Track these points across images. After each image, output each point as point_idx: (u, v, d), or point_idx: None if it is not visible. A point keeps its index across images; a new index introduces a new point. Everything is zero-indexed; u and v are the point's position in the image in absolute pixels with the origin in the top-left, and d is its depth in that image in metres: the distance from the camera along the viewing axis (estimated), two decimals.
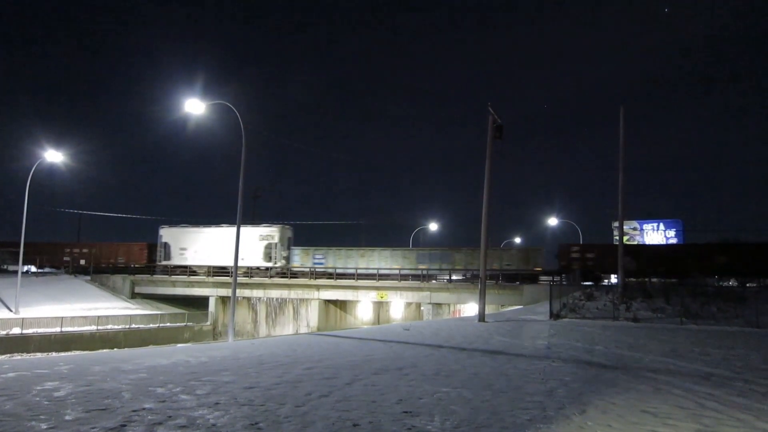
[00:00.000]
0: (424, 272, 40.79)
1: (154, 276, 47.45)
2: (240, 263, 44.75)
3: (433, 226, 64.00)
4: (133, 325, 38.90)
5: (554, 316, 24.45)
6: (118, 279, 47.62)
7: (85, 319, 36.83)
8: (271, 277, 43.43)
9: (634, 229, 51.91)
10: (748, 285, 31.03)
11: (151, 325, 40.11)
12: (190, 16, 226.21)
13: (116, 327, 37.75)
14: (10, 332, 32.58)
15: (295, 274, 43.21)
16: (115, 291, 46.68)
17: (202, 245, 46.54)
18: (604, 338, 17.25)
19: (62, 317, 35.33)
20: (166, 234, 47.99)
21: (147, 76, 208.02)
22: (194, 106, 23.04)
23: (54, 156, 38.94)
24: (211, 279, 44.95)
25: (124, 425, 6.06)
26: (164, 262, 47.53)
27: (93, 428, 5.90)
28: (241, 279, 40.45)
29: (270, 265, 44.27)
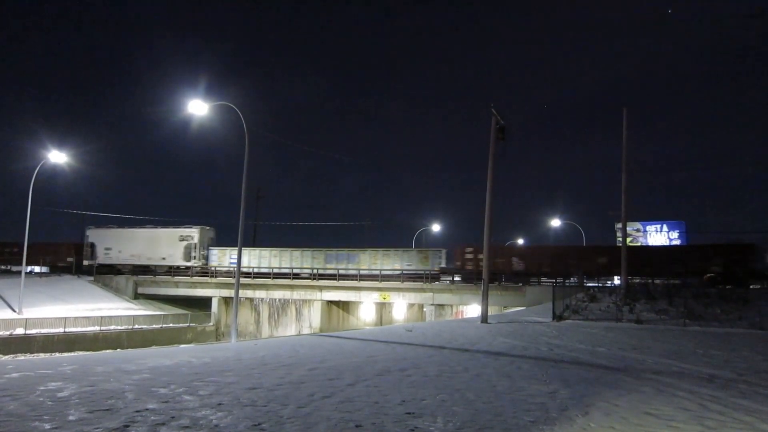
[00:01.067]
0: (317, 271, 43.08)
1: (157, 277, 47.60)
2: (161, 262, 49.23)
3: (436, 227, 64.01)
4: (136, 326, 38.99)
5: (557, 317, 24.42)
6: (121, 279, 47.75)
7: (89, 320, 36.94)
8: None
9: (638, 230, 51.86)
10: (751, 287, 30.90)
11: (154, 326, 40.20)
12: (192, 17, 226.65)
13: (119, 327, 37.84)
14: (14, 333, 32.70)
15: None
16: (118, 291, 46.82)
17: (126, 246, 49.53)
18: (607, 340, 17.21)
19: (65, 318, 35.44)
20: (93, 234, 50.89)
21: (150, 77, 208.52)
22: (197, 107, 23.07)
23: (57, 156, 39.05)
24: (214, 280, 45.06)
25: (128, 426, 6.07)
26: (89, 262, 50.48)
27: (96, 428, 5.92)
28: (244, 280, 40.59)
29: (189, 264, 47.69)
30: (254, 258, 46.09)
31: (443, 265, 41.56)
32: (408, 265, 41.86)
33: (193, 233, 47.89)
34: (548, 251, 39.98)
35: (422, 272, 40.91)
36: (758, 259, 32.20)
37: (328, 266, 43.94)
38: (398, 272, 40.81)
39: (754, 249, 32.66)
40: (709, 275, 31.84)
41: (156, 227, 50.04)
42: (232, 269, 44.10)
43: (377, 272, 41.32)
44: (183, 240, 48.03)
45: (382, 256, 42.89)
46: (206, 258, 48.00)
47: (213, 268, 46.19)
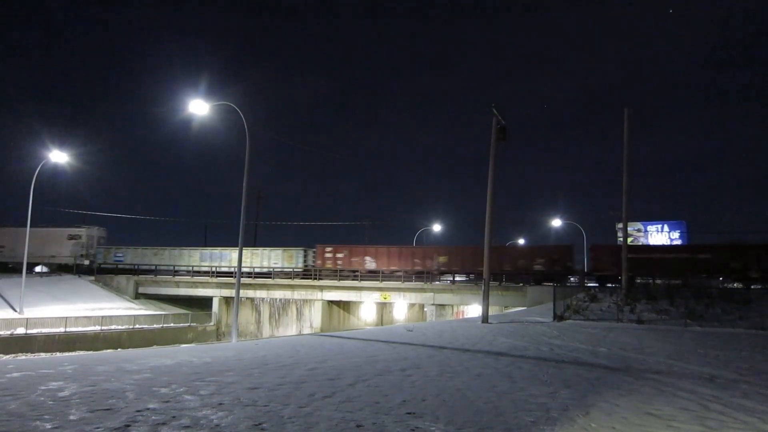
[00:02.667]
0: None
1: (158, 276, 47.64)
2: (51, 260, 52.03)
3: (437, 227, 63.99)
4: (137, 326, 39.01)
5: (558, 317, 24.40)
6: (122, 279, 47.78)
7: (89, 320, 36.96)
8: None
9: (638, 230, 51.86)
10: (752, 287, 30.88)
11: (155, 326, 40.22)
12: (193, 18, 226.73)
13: (120, 327, 37.85)
14: (15, 332, 32.72)
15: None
16: (119, 291, 46.84)
17: (19, 243, 51.64)
18: (608, 340, 17.20)
19: (66, 317, 35.46)
20: None
21: (151, 77, 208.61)
22: (198, 107, 23.06)
23: (58, 156, 39.07)
24: (214, 280, 45.08)
25: (128, 425, 6.07)
26: None
27: (97, 428, 5.92)
28: (244, 280, 40.61)
29: (77, 262, 51.39)
30: (137, 257, 50.18)
31: (305, 263, 45.02)
32: (275, 263, 45.35)
33: (81, 232, 52.00)
34: (399, 251, 42.39)
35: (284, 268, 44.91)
36: (573, 259, 37.24)
37: (203, 264, 47.72)
38: (399, 272, 40.79)
39: (572, 250, 37.52)
40: (534, 271, 36.87)
41: (48, 227, 53.07)
42: (232, 270, 44.69)
43: (378, 272, 41.31)
44: (71, 239, 51.74)
45: (251, 255, 46.10)
46: (94, 256, 51.94)
47: (214, 269, 46.25)
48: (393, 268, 40.76)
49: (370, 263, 41.43)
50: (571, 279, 37.46)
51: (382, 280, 40.58)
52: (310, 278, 42.58)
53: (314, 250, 44.29)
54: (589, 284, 34.18)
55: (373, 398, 7.94)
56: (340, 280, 41.60)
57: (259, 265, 45.58)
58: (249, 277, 43.56)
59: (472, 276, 40.17)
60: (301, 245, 45.89)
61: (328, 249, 42.92)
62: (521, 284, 37.19)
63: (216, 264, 47.20)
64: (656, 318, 23.66)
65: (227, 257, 47.02)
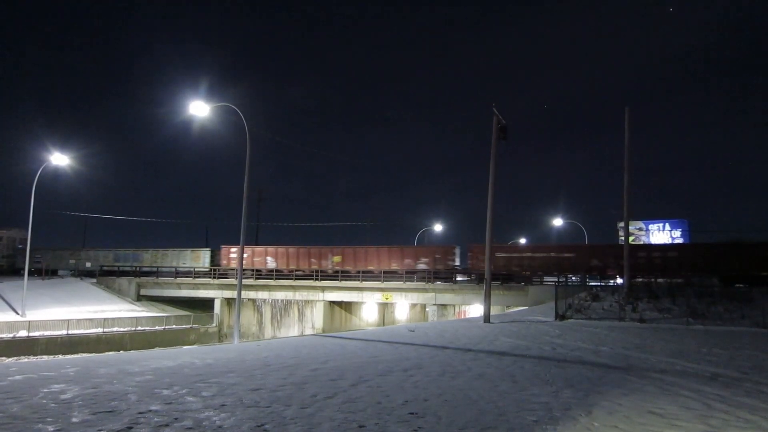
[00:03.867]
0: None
1: (160, 278, 47.66)
2: None
3: (438, 227, 64.02)
4: (139, 328, 39.03)
5: (560, 317, 24.38)
6: (123, 281, 47.80)
7: (91, 322, 36.98)
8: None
9: (640, 229, 51.82)
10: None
11: (157, 327, 40.23)
12: (194, 19, 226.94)
13: (122, 329, 37.87)
14: (17, 335, 32.75)
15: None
16: (120, 293, 46.86)
17: None
18: (610, 339, 17.18)
19: (68, 320, 35.48)
20: None
21: (152, 80, 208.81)
22: (199, 109, 23.07)
23: (60, 159, 39.09)
24: (216, 281, 45.09)
25: (131, 427, 6.07)
26: None
27: (99, 430, 5.92)
28: (246, 281, 40.62)
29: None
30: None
31: (212, 263, 47.64)
32: (183, 263, 48.47)
33: (2, 234, 56.86)
34: (297, 251, 45.34)
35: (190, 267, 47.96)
36: (455, 258, 40.37)
37: (116, 264, 51.07)
38: (400, 271, 40.79)
39: (453, 249, 40.62)
40: (417, 269, 40.42)
41: None
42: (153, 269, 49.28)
43: (379, 271, 41.31)
44: None
45: (162, 256, 49.11)
46: (14, 258, 56.36)
47: (215, 269, 46.26)
48: (292, 267, 44.33)
49: (271, 263, 44.70)
50: (459, 278, 40.67)
51: (384, 281, 40.58)
52: (312, 279, 42.59)
53: (207, 250, 48.69)
54: (592, 284, 34.18)
55: (375, 398, 7.93)
56: (341, 280, 41.60)
57: (168, 265, 49.15)
58: (251, 278, 43.56)
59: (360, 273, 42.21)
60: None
61: (233, 249, 46.00)
62: (523, 283, 37.17)
63: (129, 264, 50.81)
64: (658, 317, 23.63)
65: (139, 257, 50.36)
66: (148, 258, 50.32)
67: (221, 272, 45.64)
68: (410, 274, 40.22)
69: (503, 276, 37.38)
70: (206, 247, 52.60)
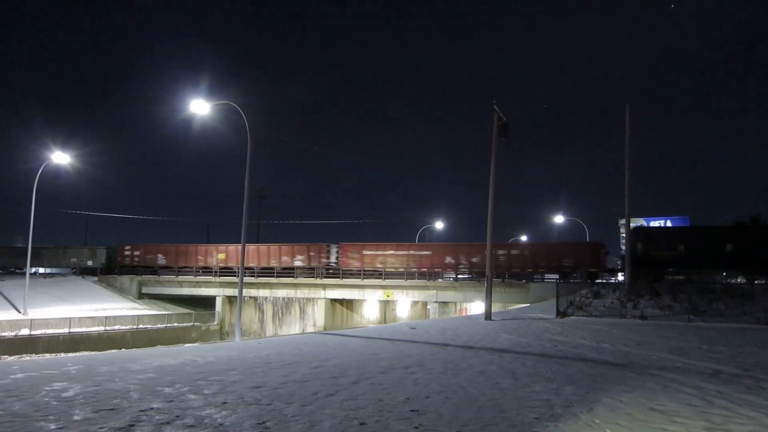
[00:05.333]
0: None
1: (161, 276, 47.71)
2: None
3: (439, 225, 64.03)
4: (141, 326, 39.08)
5: (561, 314, 24.38)
6: (125, 280, 47.85)
7: (93, 320, 37.03)
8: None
9: (641, 226, 51.64)
10: (756, 282, 30.75)
11: (159, 326, 40.29)
12: (194, 17, 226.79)
13: (124, 327, 37.93)
14: (19, 333, 32.79)
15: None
16: (122, 291, 46.93)
17: None
18: (612, 336, 17.18)
19: (70, 318, 35.53)
20: None
21: (152, 78, 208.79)
22: (199, 107, 23.06)
23: (61, 158, 39.11)
24: (217, 279, 45.12)
25: (132, 425, 6.08)
26: None
27: (101, 428, 5.93)
28: (247, 279, 40.64)
29: None
30: None
31: (108, 260, 50.56)
32: (78, 260, 50.62)
33: None
34: (186, 249, 48.29)
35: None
36: (329, 255, 43.36)
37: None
38: (402, 270, 40.80)
39: (329, 247, 43.61)
40: (294, 265, 43.92)
41: None
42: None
43: (380, 270, 41.33)
44: None
45: (63, 251, 51.11)
46: None
47: (217, 267, 46.30)
48: (180, 264, 47.57)
49: (161, 260, 48.33)
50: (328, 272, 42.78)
51: (385, 278, 40.60)
52: (313, 277, 42.64)
53: (101, 248, 51.93)
54: (597, 281, 34.18)
55: (376, 396, 7.94)
56: (342, 278, 41.61)
57: (67, 263, 52.09)
58: (252, 276, 43.62)
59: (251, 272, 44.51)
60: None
61: (127, 247, 50.03)
62: (524, 281, 37.18)
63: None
64: (660, 314, 23.62)
65: (41, 255, 51.63)
66: (47, 255, 52.31)
67: (222, 270, 45.73)
68: (411, 273, 40.24)
69: (365, 272, 41.51)
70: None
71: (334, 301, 42.38)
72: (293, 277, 43.40)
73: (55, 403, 7.19)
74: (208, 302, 46.65)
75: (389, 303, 47.30)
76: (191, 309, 45.88)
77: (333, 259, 43.23)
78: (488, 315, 24.12)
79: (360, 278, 41.10)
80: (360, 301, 44.54)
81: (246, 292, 41.15)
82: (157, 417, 6.46)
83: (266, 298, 45.18)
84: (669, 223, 51.73)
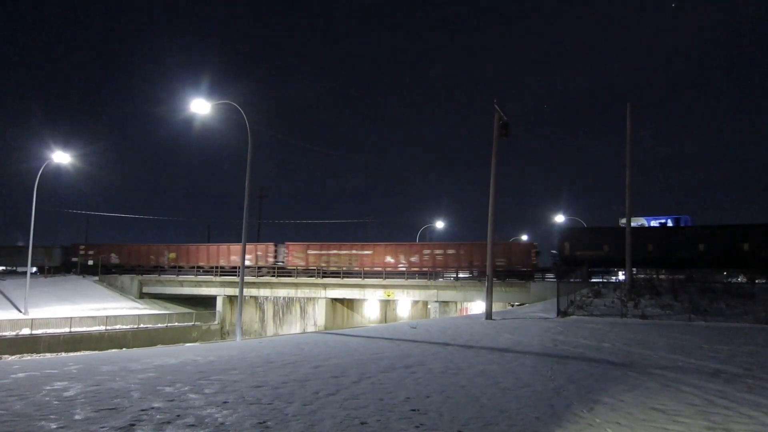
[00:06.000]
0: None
1: (162, 276, 47.68)
2: None
3: (440, 224, 63.99)
4: (142, 325, 39.07)
5: (561, 313, 24.37)
6: (126, 279, 47.85)
7: (94, 320, 37.02)
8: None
9: (642, 225, 51.60)
10: (756, 281, 30.80)
11: (159, 325, 40.28)
12: (195, 17, 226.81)
13: (124, 327, 37.92)
14: (20, 333, 32.79)
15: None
16: (123, 291, 46.92)
17: None
18: (612, 335, 17.18)
19: (71, 317, 35.51)
20: None
21: (153, 77, 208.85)
22: (200, 106, 23.06)
23: (61, 157, 39.10)
24: (218, 278, 45.13)
25: (133, 424, 6.09)
26: None
27: (102, 427, 5.93)
28: (248, 278, 40.66)
29: None
30: None
31: (59, 262, 51.62)
32: (33, 259, 49.64)
33: None
34: (139, 248, 50.72)
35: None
36: (276, 255, 45.16)
37: None
38: (406, 270, 40.82)
39: (272, 247, 45.38)
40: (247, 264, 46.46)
41: None
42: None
43: (381, 269, 41.35)
44: None
45: (7, 254, 51.53)
46: None
47: (217, 267, 46.33)
48: (132, 263, 49.54)
49: (114, 259, 50.72)
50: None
51: (386, 278, 40.61)
52: (315, 276, 42.65)
53: (55, 248, 53.10)
54: (594, 280, 34.19)
55: (377, 395, 7.94)
56: (343, 278, 41.62)
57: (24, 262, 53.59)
58: (252, 275, 43.63)
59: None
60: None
61: (82, 247, 51.85)
62: (524, 280, 37.18)
63: None
64: (660, 313, 23.61)
65: None
66: (4, 254, 53.28)
67: (223, 270, 45.76)
68: (412, 272, 40.27)
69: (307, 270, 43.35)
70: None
71: (334, 300, 42.38)
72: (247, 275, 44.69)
73: (56, 402, 7.20)
74: (208, 302, 46.65)
75: (390, 302, 47.28)
76: (192, 308, 45.86)
77: (280, 258, 44.62)
78: (489, 314, 24.13)
79: (360, 278, 41.09)
80: (360, 301, 44.53)
81: (247, 291, 41.15)
82: (158, 416, 6.47)
83: (267, 297, 45.17)
84: (669, 223, 51.71)
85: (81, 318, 36.37)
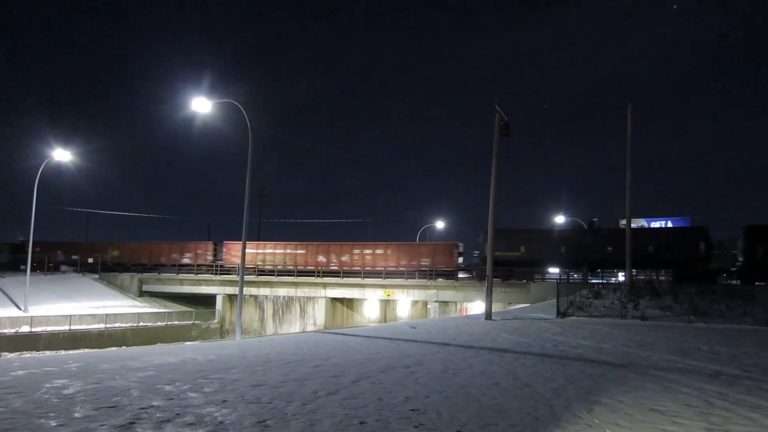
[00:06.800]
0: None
1: (162, 274, 47.70)
2: None
3: (440, 224, 64.05)
4: (141, 324, 39.09)
5: (561, 314, 24.37)
6: (126, 277, 47.85)
7: (94, 318, 37.05)
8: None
9: (642, 227, 51.63)
10: (756, 283, 30.87)
11: (159, 323, 40.31)
12: (197, 16, 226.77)
13: (124, 325, 37.94)
14: (20, 330, 32.82)
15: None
16: (123, 289, 46.92)
17: None
18: (612, 336, 17.17)
19: (71, 315, 35.54)
20: None
21: (154, 76, 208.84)
22: (201, 105, 23.06)
23: (62, 155, 39.11)
24: (218, 277, 45.14)
25: (133, 423, 6.09)
26: None
27: (102, 426, 5.93)
28: (248, 277, 40.67)
29: None
30: None
31: (5, 260, 52.06)
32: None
33: None
34: (79, 245, 53.28)
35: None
36: (213, 253, 47.40)
37: None
38: (406, 269, 40.84)
39: (209, 246, 47.93)
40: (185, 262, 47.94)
41: None
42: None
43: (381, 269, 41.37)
44: None
45: None
46: None
47: (217, 265, 46.34)
48: (90, 260, 50.53)
49: (60, 256, 51.64)
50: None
51: (386, 278, 40.62)
52: (314, 275, 42.66)
53: None
54: (592, 281, 34.23)
55: (376, 395, 7.94)
56: (343, 277, 41.63)
57: None
58: (253, 274, 43.65)
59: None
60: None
61: (30, 244, 54.55)
62: (524, 281, 37.19)
63: None
64: (660, 314, 23.61)
65: None
66: None
67: (223, 268, 45.77)
68: (412, 272, 40.26)
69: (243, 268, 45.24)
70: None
71: (334, 300, 42.39)
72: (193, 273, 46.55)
73: (55, 400, 7.20)
74: (208, 300, 46.67)
75: (389, 302, 47.29)
76: (192, 307, 45.89)
77: (220, 256, 46.94)
78: (488, 315, 24.12)
79: (360, 277, 41.12)
80: (360, 300, 44.55)
81: (246, 290, 41.15)
82: (157, 415, 6.47)
83: (267, 296, 45.19)
84: (670, 224, 51.74)
85: (81, 316, 36.40)
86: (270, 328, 44.99)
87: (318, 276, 42.38)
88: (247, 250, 43.43)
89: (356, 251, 42.62)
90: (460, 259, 41.43)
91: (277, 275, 43.65)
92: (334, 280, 41.66)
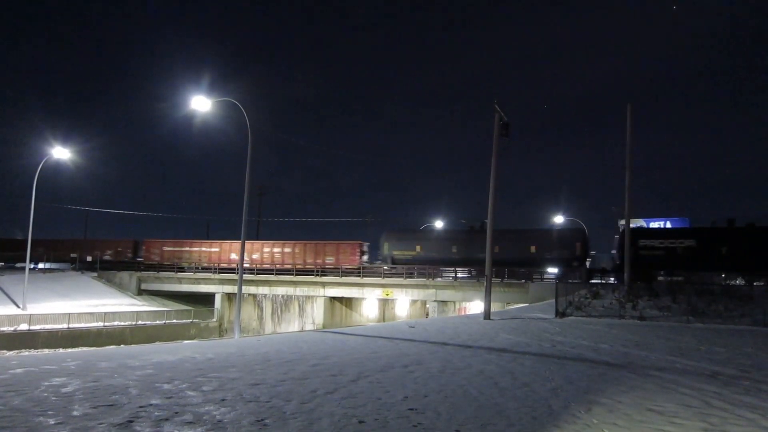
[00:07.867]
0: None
1: (161, 273, 47.65)
2: None
3: (439, 224, 63.95)
4: (140, 322, 39.06)
5: (560, 314, 24.38)
6: (124, 276, 47.80)
7: (92, 316, 37.02)
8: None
9: (641, 227, 51.65)
10: (755, 283, 30.92)
11: (158, 322, 40.28)
12: (196, 14, 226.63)
13: (123, 323, 37.92)
14: (18, 328, 32.79)
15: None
16: (121, 288, 46.88)
17: None
18: (610, 336, 17.19)
19: (69, 314, 35.51)
20: None
21: (153, 74, 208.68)
22: (200, 104, 23.04)
23: (61, 153, 39.07)
24: (217, 276, 45.12)
25: (131, 421, 6.09)
26: None
27: (100, 424, 5.94)
28: (247, 276, 40.66)
29: None
30: None
31: None
32: None
33: None
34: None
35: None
36: (137, 252, 50.05)
37: None
38: (406, 269, 40.86)
39: (137, 243, 50.62)
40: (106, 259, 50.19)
41: None
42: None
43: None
44: None
45: None
46: None
47: (216, 265, 46.31)
48: (89, 258, 51.53)
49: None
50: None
51: (385, 277, 40.62)
52: (313, 274, 42.65)
53: None
54: (593, 281, 34.26)
55: (375, 394, 7.95)
56: (342, 276, 41.63)
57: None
58: (251, 273, 43.64)
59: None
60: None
61: None
62: (523, 281, 37.21)
63: None
64: (658, 314, 23.63)
65: None
66: None
67: (221, 267, 45.79)
68: (411, 271, 40.27)
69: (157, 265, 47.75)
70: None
71: (333, 299, 42.38)
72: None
73: (54, 398, 7.20)
74: (207, 299, 46.64)
75: (388, 302, 47.28)
76: (190, 306, 45.87)
77: (140, 254, 49.71)
78: (487, 314, 24.13)
79: (359, 276, 41.11)
80: (359, 300, 44.54)
81: (245, 289, 41.17)
82: (155, 413, 6.47)
83: (265, 295, 45.17)
84: (669, 224, 51.75)
85: (79, 314, 36.37)
86: (269, 326, 44.97)
87: (317, 275, 42.38)
88: (165, 248, 47.08)
89: (266, 249, 45.17)
90: (365, 258, 42.90)
91: (276, 274, 43.65)
92: (333, 279, 41.65)
